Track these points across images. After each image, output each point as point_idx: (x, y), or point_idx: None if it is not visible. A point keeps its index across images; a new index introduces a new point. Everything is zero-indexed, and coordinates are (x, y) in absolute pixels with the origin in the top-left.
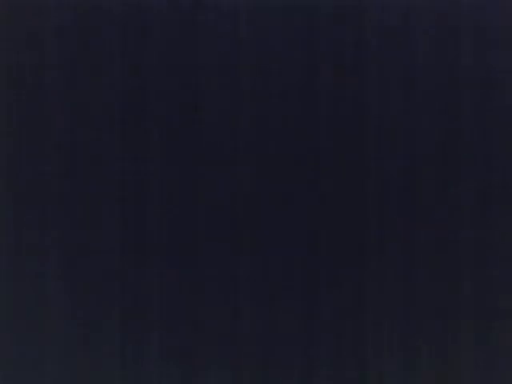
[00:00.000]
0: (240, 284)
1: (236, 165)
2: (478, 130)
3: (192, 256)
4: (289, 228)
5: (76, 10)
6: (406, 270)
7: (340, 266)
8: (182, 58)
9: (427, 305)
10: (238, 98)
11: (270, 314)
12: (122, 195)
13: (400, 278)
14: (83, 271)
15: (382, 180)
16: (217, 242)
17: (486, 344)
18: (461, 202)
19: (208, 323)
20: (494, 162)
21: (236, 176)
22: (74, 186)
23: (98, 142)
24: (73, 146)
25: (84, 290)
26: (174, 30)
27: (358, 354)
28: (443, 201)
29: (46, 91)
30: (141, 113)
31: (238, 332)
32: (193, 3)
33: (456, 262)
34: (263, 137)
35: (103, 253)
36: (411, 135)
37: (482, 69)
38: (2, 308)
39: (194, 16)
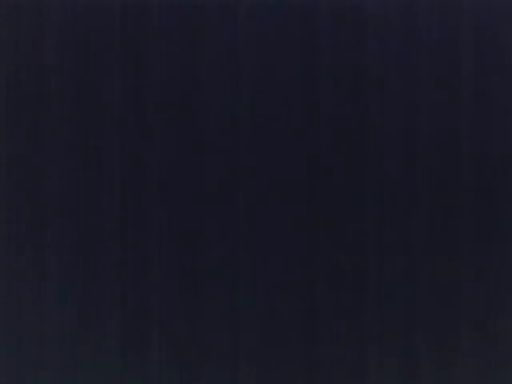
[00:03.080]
0: (240, 283)
1: (236, 163)
2: (478, 128)
3: (191, 256)
4: (289, 228)
5: (76, 10)
6: (406, 270)
7: (340, 266)
8: (182, 57)
9: (427, 304)
10: (238, 97)
11: (270, 314)
12: (123, 195)
13: (400, 278)
14: (83, 272)
15: (381, 180)
16: (217, 242)
17: (485, 345)
18: (461, 202)
19: (208, 323)
20: (493, 162)
21: (236, 175)
22: (73, 186)
23: (98, 141)
24: (73, 143)
25: (84, 291)
26: (173, 30)
27: (358, 354)
28: (443, 201)
29: (46, 91)
30: (141, 112)
31: (237, 332)
32: (192, 2)
33: (456, 262)
34: (263, 136)
35: (103, 254)
36: (412, 135)
37: (481, 68)
38: (1, 308)
39: (193, 15)
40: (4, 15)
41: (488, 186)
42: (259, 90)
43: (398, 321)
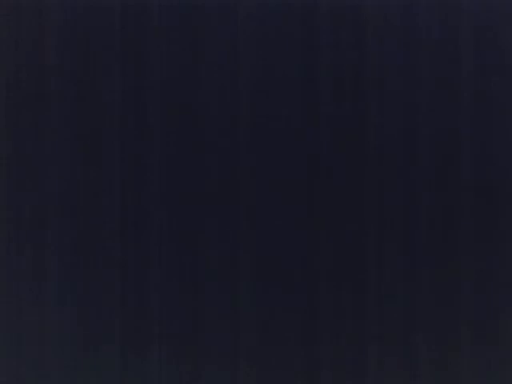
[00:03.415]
0: (240, 283)
1: (236, 163)
2: (478, 128)
3: (191, 256)
4: (289, 228)
5: (76, 10)
6: (406, 270)
7: (340, 266)
8: (182, 57)
9: (427, 304)
10: (238, 97)
11: (270, 314)
12: (123, 195)
13: (400, 278)
14: (83, 272)
15: (381, 180)
16: (217, 242)
17: (485, 345)
18: (461, 202)
19: (208, 323)
20: (493, 162)
21: (236, 175)
22: (73, 186)
23: (98, 141)
24: (73, 143)
25: (84, 291)
26: (173, 30)
27: (358, 354)
28: (443, 201)
29: (46, 91)
30: (141, 112)
31: (237, 332)
32: (192, 2)
33: (456, 262)
34: (263, 136)
35: (103, 254)
36: (412, 135)
37: (481, 68)
38: (1, 308)
39: (193, 15)
40: (4, 15)
41: (488, 186)
42: (259, 89)
43: (398, 321)
